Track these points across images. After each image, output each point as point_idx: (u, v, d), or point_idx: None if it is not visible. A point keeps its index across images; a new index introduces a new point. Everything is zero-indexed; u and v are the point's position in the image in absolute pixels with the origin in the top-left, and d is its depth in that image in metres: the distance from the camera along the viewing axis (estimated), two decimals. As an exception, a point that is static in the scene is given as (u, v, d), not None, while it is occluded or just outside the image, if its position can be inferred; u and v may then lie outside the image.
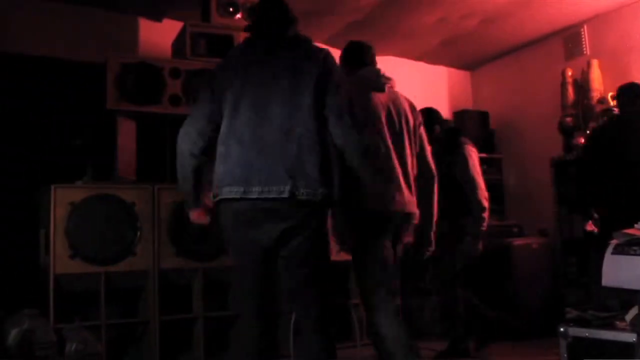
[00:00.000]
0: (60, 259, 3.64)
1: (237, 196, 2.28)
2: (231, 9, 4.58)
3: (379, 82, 3.03)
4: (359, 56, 3.20)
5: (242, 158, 2.30)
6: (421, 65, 6.46)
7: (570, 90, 5.41)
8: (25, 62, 4.40)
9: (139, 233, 3.85)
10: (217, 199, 2.37)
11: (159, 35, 4.90)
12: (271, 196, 2.25)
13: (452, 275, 4.15)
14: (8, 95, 4.27)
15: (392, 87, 3.08)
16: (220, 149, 2.37)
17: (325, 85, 2.36)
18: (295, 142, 2.29)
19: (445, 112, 6.50)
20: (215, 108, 2.40)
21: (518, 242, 5.06)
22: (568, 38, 5.68)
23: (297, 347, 3.01)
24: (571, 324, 2.60)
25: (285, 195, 2.24)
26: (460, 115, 6.21)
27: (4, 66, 4.30)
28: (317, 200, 2.28)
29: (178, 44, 4.66)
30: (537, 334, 4.48)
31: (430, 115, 4.10)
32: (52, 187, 3.70)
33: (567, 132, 5.31)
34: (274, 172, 2.26)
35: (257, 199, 2.26)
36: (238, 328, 2.63)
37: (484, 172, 5.80)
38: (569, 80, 5.42)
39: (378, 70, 3.13)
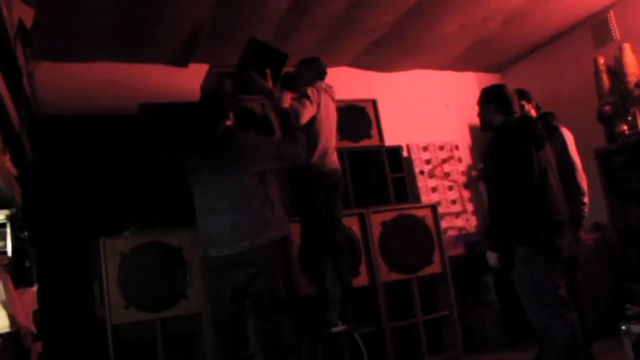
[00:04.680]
0: (116, 310, 3.73)
1: None
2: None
3: None
4: None
5: None
6: (449, 74, 6.42)
7: (604, 78, 5.27)
8: (71, 123, 4.60)
9: (188, 276, 3.91)
10: None
11: (187, 80, 5.03)
12: None
13: None
14: (53, 155, 4.43)
15: None
16: None
17: None
18: None
19: (481, 118, 6.43)
20: None
21: (572, 240, 4.89)
22: (595, 26, 5.55)
23: None
24: (633, 321, 2.49)
25: None
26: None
27: (52, 129, 4.48)
28: None
29: (206, 86, 4.76)
30: (603, 334, 4.28)
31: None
32: (101, 239, 3.81)
33: (607, 121, 5.16)
34: None
35: None
36: None
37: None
38: (602, 68, 5.29)
39: None
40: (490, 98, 3.36)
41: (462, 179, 6.18)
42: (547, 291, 3.06)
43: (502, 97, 3.32)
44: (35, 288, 3.34)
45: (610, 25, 5.40)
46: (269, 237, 3.17)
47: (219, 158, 3.27)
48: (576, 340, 2.98)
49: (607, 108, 5.17)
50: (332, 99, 4.07)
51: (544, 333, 3.17)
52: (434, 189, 5.99)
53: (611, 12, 5.39)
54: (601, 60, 5.30)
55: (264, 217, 3.19)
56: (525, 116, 3.53)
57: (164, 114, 4.31)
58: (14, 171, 2.62)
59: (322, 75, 4.08)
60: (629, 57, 5.08)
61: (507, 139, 3.19)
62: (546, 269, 3.06)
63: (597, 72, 5.31)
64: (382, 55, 5.70)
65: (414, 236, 4.68)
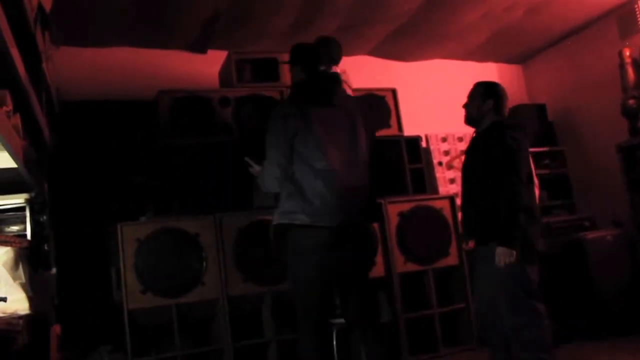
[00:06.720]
0: (132, 295, 3.74)
1: None
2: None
3: None
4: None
5: None
6: (470, 64, 6.33)
7: (629, 70, 5.17)
8: (90, 108, 4.61)
9: (205, 263, 3.91)
10: None
11: (205, 66, 5.01)
12: None
13: None
14: (70, 140, 4.44)
15: None
16: None
17: None
18: None
19: (501, 109, 6.35)
20: None
21: (591, 235, 4.82)
22: (621, 17, 5.43)
23: None
24: (656, 318, 2.45)
25: None
26: (516, 110, 6.02)
27: (71, 113, 4.49)
28: None
29: (224, 73, 4.75)
30: (624, 331, 4.23)
31: None
32: (119, 225, 3.82)
33: (631, 115, 5.07)
34: None
35: None
36: None
37: (547, 167, 5.68)
38: (628, 60, 5.18)
39: None
40: (490, 94, 3.24)
41: (481, 170, 6.11)
42: (526, 296, 2.96)
43: (502, 96, 3.23)
44: (54, 271, 3.37)
45: (638, 15, 5.28)
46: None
47: (335, 120, 3.03)
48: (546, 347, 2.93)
49: (631, 102, 5.07)
50: None
51: (513, 333, 3.01)
52: (452, 181, 5.93)
53: (639, 3, 5.27)
54: (627, 52, 5.19)
55: (372, 185, 3.06)
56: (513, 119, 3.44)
57: (182, 100, 4.30)
58: (33, 155, 2.62)
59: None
60: (655, 49, 4.99)
61: (501, 138, 3.06)
62: (529, 274, 2.99)
63: (622, 65, 5.21)
64: (402, 44, 5.64)
65: (431, 227, 4.64)
